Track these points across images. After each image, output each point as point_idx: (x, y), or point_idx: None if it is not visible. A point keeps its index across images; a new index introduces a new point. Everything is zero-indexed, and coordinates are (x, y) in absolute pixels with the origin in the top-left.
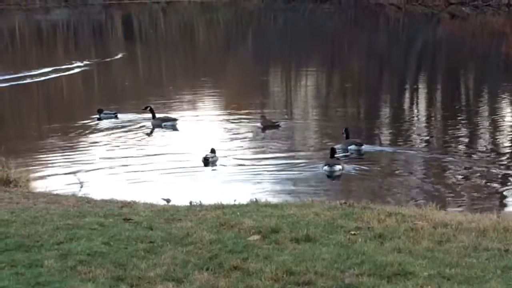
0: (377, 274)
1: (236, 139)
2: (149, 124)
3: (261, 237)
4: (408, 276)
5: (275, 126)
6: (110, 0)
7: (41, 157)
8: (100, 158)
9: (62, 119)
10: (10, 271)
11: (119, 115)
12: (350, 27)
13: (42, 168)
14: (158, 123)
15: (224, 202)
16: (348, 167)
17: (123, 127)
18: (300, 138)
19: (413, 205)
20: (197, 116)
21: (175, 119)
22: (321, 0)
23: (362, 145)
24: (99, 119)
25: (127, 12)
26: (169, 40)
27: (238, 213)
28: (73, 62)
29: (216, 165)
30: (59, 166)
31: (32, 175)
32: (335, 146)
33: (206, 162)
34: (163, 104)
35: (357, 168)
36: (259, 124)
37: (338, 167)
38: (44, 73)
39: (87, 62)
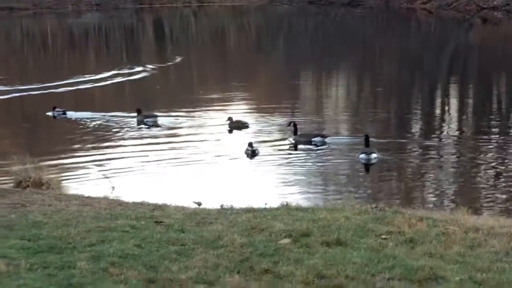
0: (408, 279)
1: (268, 140)
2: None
3: (292, 240)
4: (439, 280)
5: (244, 126)
6: (141, 4)
7: (73, 159)
8: (133, 160)
9: (104, 123)
10: (42, 272)
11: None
12: (381, 31)
13: (74, 170)
14: (141, 119)
15: (255, 205)
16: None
17: (160, 129)
18: (336, 141)
19: (444, 210)
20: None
21: (155, 116)
22: (352, 4)
23: (326, 137)
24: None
25: (158, 16)
26: (200, 43)
27: (269, 217)
28: (115, 68)
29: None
30: (91, 168)
31: (64, 177)
32: (291, 138)
33: (253, 153)
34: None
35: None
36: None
37: (374, 155)
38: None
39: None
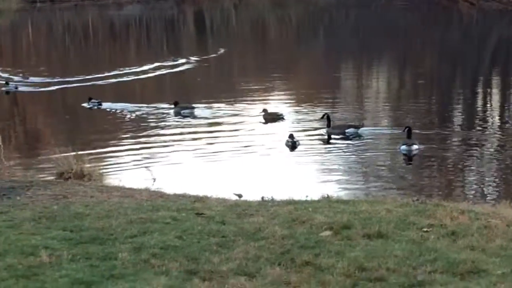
0: (450, 272)
1: (307, 129)
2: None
3: (333, 233)
4: (481, 274)
5: (280, 118)
6: None
7: (114, 151)
8: (173, 152)
9: (142, 114)
10: (85, 263)
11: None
12: (422, 23)
13: (115, 161)
14: (178, 111)
15: (296, 198)
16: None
17: (197, 120)
18: (372, 132)
19: (486, 203)
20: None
21: (192, 107)
22: None
23: (359, 128)
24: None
25: (199, 8)
26: (241, 36)
27: (310, 209)
28: (163, 59)
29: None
30: (133, 160)
31: (106, 169)
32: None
33: (294, 145)
34: (234, 99)
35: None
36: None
37: (415, 146)
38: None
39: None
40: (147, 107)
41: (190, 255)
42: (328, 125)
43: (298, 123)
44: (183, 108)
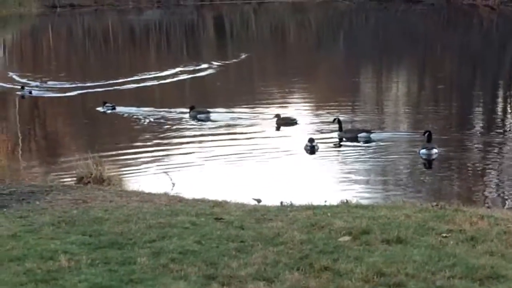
0: (469, 277)
1: (324, 133)
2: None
3: (352, 238)
4: (500, 279)
5: (293, 123)
6: (202, 1)
7: (135, 156)
8: (192, 157)
9: (158, 119)
10: (103, 268)
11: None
12: (442, 27)
13: (135, 166)
14: (193, 115)
15: (315, 202)
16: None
17: (215, 125)
18: (385, 137)
19: (505, 208)
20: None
21: (208, 111)
22: (413, 1)
23: (371, 132)
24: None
25: (219, 13)
26: (261, 41)
27: (329, 214)
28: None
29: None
30: (152, 164)
31: (125, 174)
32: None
33: (313, 149)
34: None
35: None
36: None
37: (435, 150)
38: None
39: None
40: (162, 111)
41: (209, 260)
42: (340, 129)
43: (313, 127)
44: (199, 112)
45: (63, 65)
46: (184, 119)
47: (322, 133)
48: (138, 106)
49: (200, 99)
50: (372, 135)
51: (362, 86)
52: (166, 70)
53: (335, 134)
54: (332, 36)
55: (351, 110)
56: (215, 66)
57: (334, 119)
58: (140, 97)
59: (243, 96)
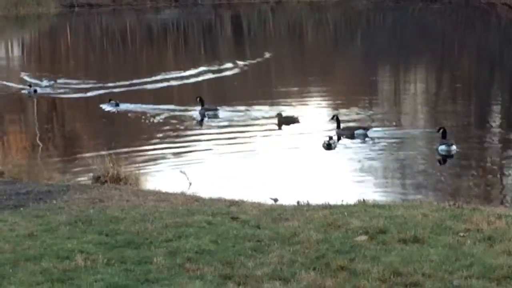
0: (486, 277)
1: (315, 134)
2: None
3: (369, 237)
4: None
5: (295, 121)
6: (219, 1)
7: (151, 155)
8: (208, 155)
9: (172, 117)
10: (120, 267)
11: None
12: (460, 26)
13: (152, 165)
14: (202, 113)
15: (332, 202)
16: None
17: (231, 124)
18: (412, 137)
19: None
20: (304, 114)
21: (216, 109)
22: None
23: (368, 129)
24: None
25: (236, 12)
26: (280, 39)
27: (346, 213)
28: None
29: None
30: (168, 162)
31: (142, 173)
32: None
33: (329, 147)
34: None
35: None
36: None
37: (454, 147)
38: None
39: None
40: (177, 109)
41: (225, 260)
42: (338, 127)
43: (316, 125)
44: (207, 109)
45: (79, 64)
46: (191, 116)
47: (325, 131)
48: (149, 104)
49: (218, 98)
50: (369, 132)
51: (379, 85)
52: (188, 69)
53: (331, 131)
54: (350, 35)
55: (368, 108)
56: (241, 65)
57: (333, 116)
58: (157, 96)
59: (259, 94)
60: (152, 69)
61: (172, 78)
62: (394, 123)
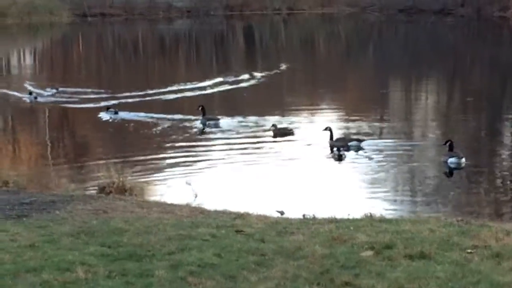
0: None
1: (309, 146)
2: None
3: (374, 253)
4: None
5: (290, 133)
6: (232, 11)
7: (156, 164)
8: (213, 166)
9: (174, 127)
10: (121, 280)
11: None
12: (472, 40)
13: (157, 176)
14: (203, 122)
15: (338, 215)
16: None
17: (240, 136)
18: (418, 149)
19: None
20: (314, 125)
21: (217, 118)
22: (443, 13)
23: (362, 141)
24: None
25: (249, 23)
26: (290, 52)
27: (352, 228)
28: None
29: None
30: (174, 174)
31: (147, 183)
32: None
33: (340, 157)
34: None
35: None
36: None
37: (463, 159)
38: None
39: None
40: (173, 119)
41: (228, 273)
42: (331, 138)
43: (306, 138)
44: (209, 119)
45: (89, 73)
46: (191, 126)
47: (314, 143)
48: (149, 113)
49: (226, 108)
50: (363, 144)
51: (390, 97)
52: (200, 81)
53: (324, 143)
54: (362, 47)
55: (376, 120)
56: (258, 77)
57: (326, 128)
58: (165, 106)
59: (266, 106)
60: (163, 79)
61: (183, 89)
62: (398, 136)
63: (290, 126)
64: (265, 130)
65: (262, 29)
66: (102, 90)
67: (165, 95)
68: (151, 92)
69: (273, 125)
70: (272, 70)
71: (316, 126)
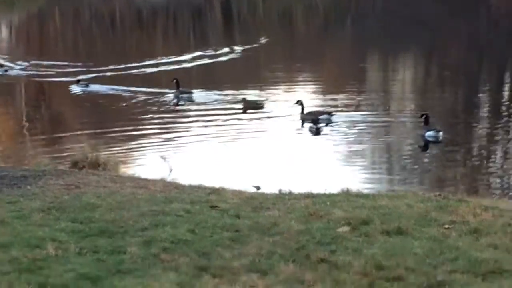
0: (471, 271)
1: (279, 119)
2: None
3: (351, 228)
4: (504, 274)
5: (259, 106)
6: None
7: (129, 139)
8: (189, 140)
9: (148, 101)
10: (92, 257)
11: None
12: (451, 13)
13: (131, 150)
14: (177, 95)
15: (314, 190)
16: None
17: (214, 110)
18: (394, 123)
19: (510, 199)
20: (287, 98)
21: (191, 92)
22: None
23: (332, 114)
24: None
25: None
26: (268, 25)
27: (328, 203)
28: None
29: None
30: (148, 148)
31: (121, 158)
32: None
33: (318, 131)
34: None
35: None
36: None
37: (441, 133)
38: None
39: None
40: (147, 92)
41: (202, 250)
42: (302, 112)
43: (275, 111)
44: (182, 92)
45: (66, 47)
46: (162, 99)
47: (284, 116)
48: (121, 86)
49: (202, 82)
50: (333, 117)
51: (367, 71)
52: (182, 55)
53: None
54: (340, 21)
55: (355, 94)
56: (237, 51)
57: (297, 101)
58: (143, 79)
59: (245, 79)
60: (141, 53)
61: (160, 63)
62: (373, 109)
63: (260, 100)
64: (235, 103)
65: (240, 3)
66: (79, 64)
67: (143, 68)
68: (128, 65)
69: (243, 99)
70: (250, 44)
71: (289, 100)
